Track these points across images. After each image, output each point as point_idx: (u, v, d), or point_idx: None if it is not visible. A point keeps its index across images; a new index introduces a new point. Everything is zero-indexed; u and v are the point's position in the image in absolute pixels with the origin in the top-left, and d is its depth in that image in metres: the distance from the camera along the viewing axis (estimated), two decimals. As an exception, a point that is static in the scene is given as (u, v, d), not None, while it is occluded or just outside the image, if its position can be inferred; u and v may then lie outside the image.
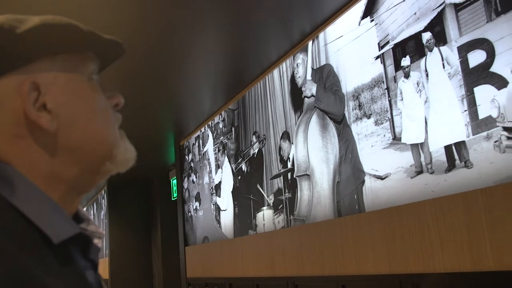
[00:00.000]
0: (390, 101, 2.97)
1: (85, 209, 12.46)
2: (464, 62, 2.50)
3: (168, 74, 4.41)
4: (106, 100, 0.80)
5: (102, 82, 0.81)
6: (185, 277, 6.27)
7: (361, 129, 3.17)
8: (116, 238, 9.02)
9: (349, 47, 3.30)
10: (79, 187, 0.76)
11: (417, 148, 2.77)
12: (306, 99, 3.73)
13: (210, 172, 5.64)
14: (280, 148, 4.12)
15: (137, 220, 9.22)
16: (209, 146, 5.64)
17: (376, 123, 3.05)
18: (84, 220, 0.80)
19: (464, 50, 2.51)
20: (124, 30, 3.47)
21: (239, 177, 4.88)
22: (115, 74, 3.90)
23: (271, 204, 4.24)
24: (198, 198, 6.03)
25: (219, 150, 5.36)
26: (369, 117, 3.11)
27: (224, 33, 3.74)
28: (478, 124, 2.42)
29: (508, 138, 2.28)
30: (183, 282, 6.33)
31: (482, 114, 2.41)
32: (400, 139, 2.88)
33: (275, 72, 4.20)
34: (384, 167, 2.98)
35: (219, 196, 5.37)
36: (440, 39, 2.64)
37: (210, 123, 5.63)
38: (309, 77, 3.70)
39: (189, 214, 6.34)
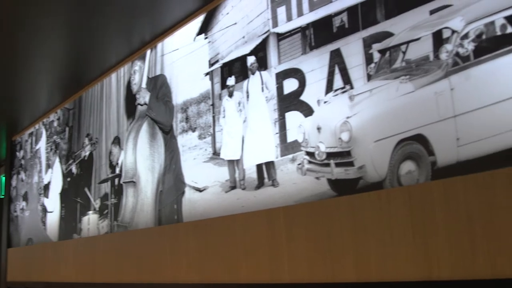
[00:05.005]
0: (214, 117, 3.09)
1: None
2: (280, 88, 2.70)
3: (2, 66, 4.19)
4: None
5: None
6: (5, 280, 5.92)
7: (186, 141, 3.26)
8: None
9: (183, 61, 3.39)
10: None
11: (233, 164, 2.92)
12: (139, 106, 3.75)
13: (40, 171, 5.40)
14: (110, 153, 4.08)
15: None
16: (42, 144, 5.40)
17: (200, 137, 3.16)
18: None
19: (281, 77, 2.70)
20: None
21: (69, 179, 4.73)
22: None
23: (97, 209, 4.18)
24: (25, 197, 5.74)
25: (51, 150, 5.16)
26: (194, 131, 3.21)
27: (65, 33, 3.65)
28: (286, 146, 2.62)
29: (310, 162, 2.49)
30: (3, 286, 5.96)
31: (290, 138, 2.61)
32: (219, 154, 3.02)
33: (113, 76, 4.16)
34: (203, 180, 3.09)
35: (47, 197, 5.16)
36: (262, 64, 2.82)
37: (45, 120, 5.40)
38: (144, 85, 3.72)
39: (15, 213, 6.00)
